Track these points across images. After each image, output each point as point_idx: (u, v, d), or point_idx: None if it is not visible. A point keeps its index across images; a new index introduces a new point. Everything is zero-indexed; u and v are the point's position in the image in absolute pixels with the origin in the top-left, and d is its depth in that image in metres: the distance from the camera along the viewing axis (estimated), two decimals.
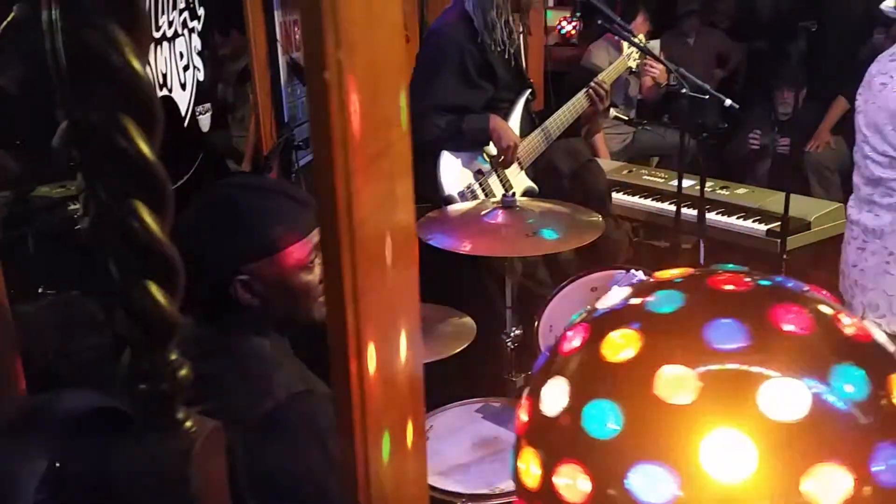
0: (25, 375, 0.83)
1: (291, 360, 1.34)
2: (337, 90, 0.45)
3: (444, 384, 2.12)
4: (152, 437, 0.68)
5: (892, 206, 2.34)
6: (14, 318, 0.84)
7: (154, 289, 0.61)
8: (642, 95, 4.74)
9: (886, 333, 2.12)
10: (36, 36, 0.56)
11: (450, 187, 2.77)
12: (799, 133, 3.95)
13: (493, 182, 2.83)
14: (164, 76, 1.71)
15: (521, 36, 2.88)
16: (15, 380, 0.83)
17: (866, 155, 2.37)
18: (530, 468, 0.61)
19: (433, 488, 1.86)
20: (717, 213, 3.40)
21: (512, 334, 2.33)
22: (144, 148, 0.57)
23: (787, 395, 0.52)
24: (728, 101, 2.55)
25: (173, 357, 0.67)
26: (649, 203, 3.70)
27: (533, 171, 2.93)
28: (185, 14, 1.81)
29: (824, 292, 0.64)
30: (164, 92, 1.71)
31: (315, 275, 1.33)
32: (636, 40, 2.84)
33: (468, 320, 2.26)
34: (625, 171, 4.07)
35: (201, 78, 1.87)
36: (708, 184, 3.45)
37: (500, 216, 2.25)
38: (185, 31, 1.80)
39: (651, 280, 0.67)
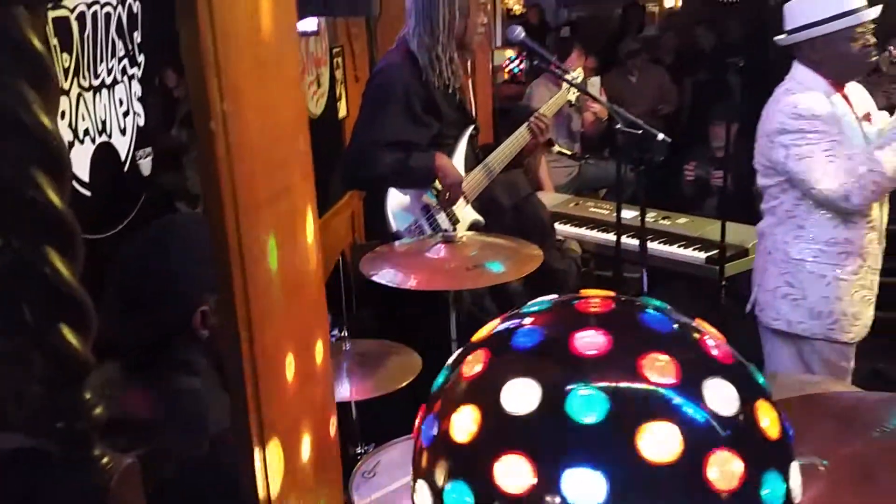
0: None
1: (224, 396, 1.35)
2: (223, 139, 0.49)
3: (390, 420, 2.15)
4: (70, 474, 0.70)
5: (770, 210, 2.59)
6: None
7: (67, 331, 0.64)
8: (585, 130, 4.88)
9: (770, 329, 2.27)
10: None
11: (397, 223, 2.81)
12: (736, 165, 4.09)
13: (441, 217, 2.89)
14: (104, 123, 1.74)
15: (466, 73, 2.96)
16: None
17: (759, 169, 2.62)
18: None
19: None
20: (659, 243, 3.50)
21: None
22: (54, 198, 0.60)
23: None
24: (661, 136, 2.64)
25: (88, 396, 0.69)
26: (594, 234, 3.79)
27: (477, 205, 3.00)
28: (125, 61, 1.84)
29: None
30: (104, 138, 1.73)
31: None
32: (570, 77, 2.94)
33: (415, 355, 2.29)
34: (571, 204, 4.17)
35: (142, 123, 1.90)
36: (650, 214, 3.56)
37: (444, 251, 2.30)
38: (125, 78, 1.83)
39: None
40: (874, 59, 2.49)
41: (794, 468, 0.62)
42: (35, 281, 0.62)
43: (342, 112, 3.96)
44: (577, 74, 3.04)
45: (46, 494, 0.71)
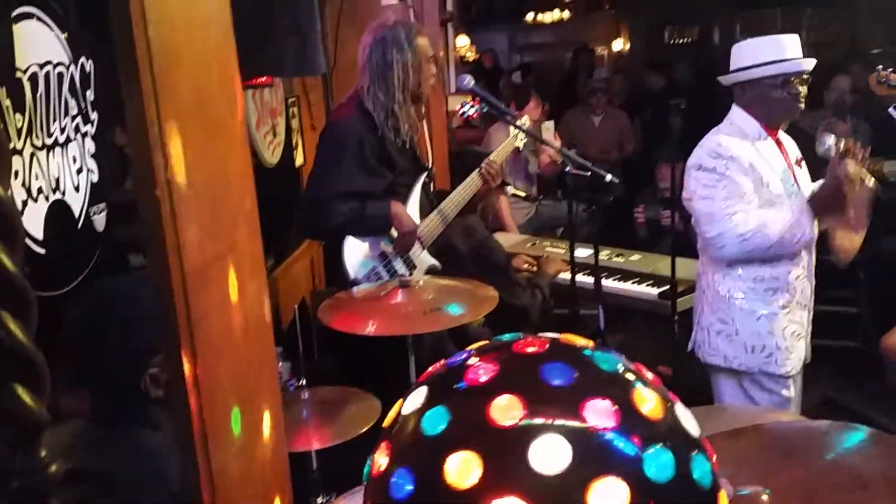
0: None
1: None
2: (168, 205, 0.52)
3: (352, 467, 2.15)
4: None
5: (701, 249, 2.68)
6: None
7: (21, 391, 0.66)
8: (541, 171, 5.00)
9: (710, 364, 2.30)
10: None
11: (355, 271, 2.84)
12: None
13: (398, 263, 2.92)
14: (57, 180, 1.75)
15: (420, 123, 3.03)
16: None
17: (684, 199, 2.68)
18: None
19: None
20: (614, 280, 3.57)
21: None
22: (6, 261, 0.62)
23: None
24: (609, 177, 2.73)
25: (44, 454, 0.71)
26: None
27: (434, 249, 3.05)
28: (78, 119, 1.86)
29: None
30: (58, 196, 1.75)
31: None
32: (519, 123, 3.02)
33: (375, 400, 2.31)
34: (528, 244, 4.23)
35: (96, 179, 1.92)
36: (604, 252, 3.64)
37: (401, 296, 2.33)
38: (78, 136, 1.85)
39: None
40: (800, 107, 2.56)
41: None
42: None
43: (299, 160, 4.00)
44: (525, 120, 3.13)
45: None
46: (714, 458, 0.67)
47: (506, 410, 0.61)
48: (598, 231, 3.31)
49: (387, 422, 0.70)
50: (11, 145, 1.46)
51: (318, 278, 3.99)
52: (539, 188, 5.02)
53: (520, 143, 3.23)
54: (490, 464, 0.60)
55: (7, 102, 1.56)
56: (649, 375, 0.69)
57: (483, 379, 0.66)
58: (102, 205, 1.91)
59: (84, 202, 1.85)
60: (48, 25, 1.73)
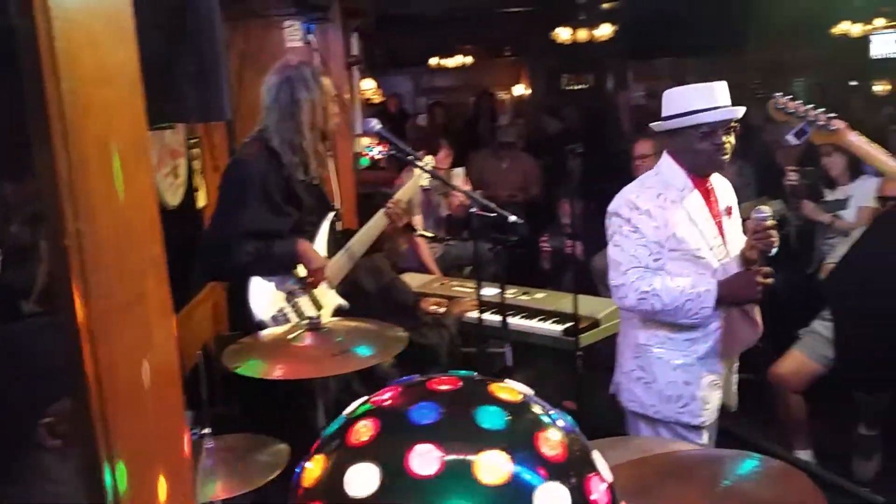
0: None
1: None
2: (77, 254, 0.52)
3: None
4: None
5: (619, 299, 2.58)
6: None
7: None
8: (452, 213, 5.08)
9: (631, 411, 2.27)
10: None
11: (261, 313, 2.80)
12: (586, 239, 4.37)
13: (305, 303, 2.90)
14: None
15: (326, 162, 3.04)
16: None
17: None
18: None
19: None
20: (519, 317, 3.65)
21: None
22: None
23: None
24: (512, 218, 2.80)
25: None
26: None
27: (341, 290, 3.04)
28: None
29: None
30: None
31: None
32: (422, 164, 3.07)
33: (283, 446, 2.26)
34: (436, 283, 4.28)
35: None
36: (510, 291, 3.72)
37: (309, 338, 2.31)
38: None
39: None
40: (724, 159, 2.48)
41: None
42: None
43: (201, 202, 3.92)
44: (429, 160, 3.19)
45: None
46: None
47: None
48: (504, 270, 3.39)
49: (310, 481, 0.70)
50: None
51: (221, 324, 3.90)
52: (447, 229, 5.10)
53: (424, 182, 3.28)
54: None
55: None
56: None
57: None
58: None
59: None
60: None
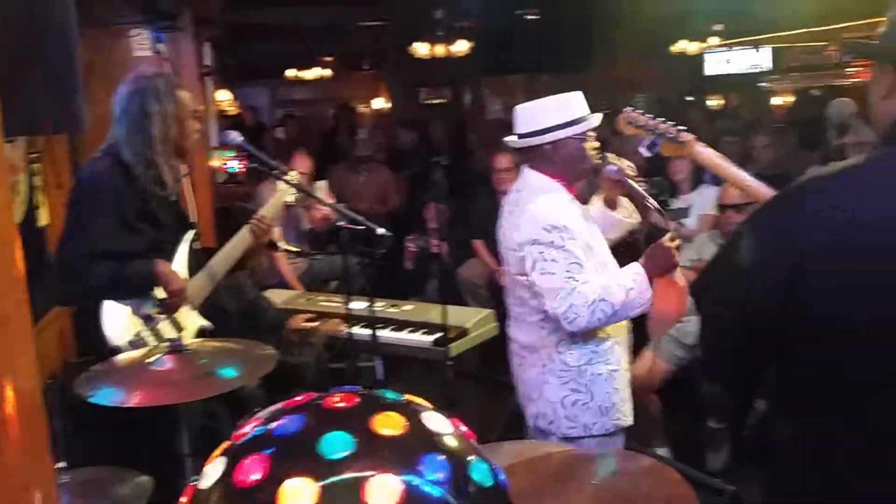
0: None
1: None
2: None
3: None
4: None
5: (538, 324, 2.53)
6: None
7: None
8: (314, 227, 4.99)
9: (557, 437, 2.21)
10: None
11: (116, 338, 2.63)
12: (451, 246, 4.44)
13: (165, 326, 2.76)
14: None
15: (183, 177, 2.91)
16: None
17: (514, 282, 2.57)
18: None
19: None
20: (389, 330, 3.64)
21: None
22: None
23: (386, 489, 0.62)
24: (381, 230, 2.80)
25: None
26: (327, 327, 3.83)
27: (203, 310, 2.91)
28: None
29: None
30: None
31: None
32: (288, 178, 3.01)
33: (145, 479, 2.14)
34: (302, 299, 4.20)
35: None
36: (379, 304, 3.71)
37: (170, 362, 2.19)
38: None
39: (281, 407, 0.74)
40: (598, 161, 2.54)
41: None
42: None
43: (43, 220, 3.65)
44: (294, 175, 3.13)
45: None
46: None
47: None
48: (372, 283, 3.38)
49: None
50: None
51: (68, 350, 3.64)
52: (311, 243, 5.01)
53: (290, 198, 3.21)
54: None
55: None
56: None
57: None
58: None
59: None
60: None
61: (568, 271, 2.36)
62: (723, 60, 10.91)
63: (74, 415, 2.74)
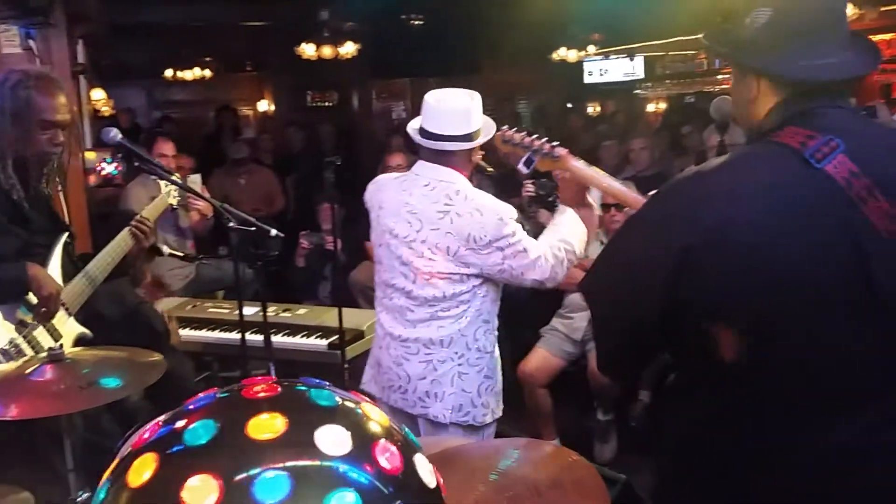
0: None
1: None
2: None
3: None
4: None
5: (456, 317, 2.55)
6: None
7: None
8: (194, 228, 4.81)
9: (473, 426, 2.26)
10: None
11: None
12: (344, 239, 4.39)
13: (40, 334, 2.59)
14: None
15: (57, 179, 2.75)
16: None
17: (426, 280, 2.55)
18: None
19: None
20: (282, 335, 3.56)
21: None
22: None
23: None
24: (273, 231, 2.73)
25: None
26: (217, 335, 3.72)
27: (82, 318, 2.75)
28: None
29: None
30: None
31: None
32: (173, 178, 2.89)
33: (25, 495, 2.00)
34: (188, 307, 4.05)
35: None
36: (271, 308, 3.62)
37: (50, 372, 2.06)
38: None
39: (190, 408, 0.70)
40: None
41: None
42: None
43: None
44: (178, 176, 3.01)
45: None
46: None
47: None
48: (264, 287, 3.29)
49: None
50: None
51: None
52: (197, 247, 4.83)
53: (174, 200, 3.08)
54: None
55: None
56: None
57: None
58: None
59: None
60: None
61: (528, 242, 2.51)
62: (600, 69, 11.37)
63: None
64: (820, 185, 1.32)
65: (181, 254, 3.84)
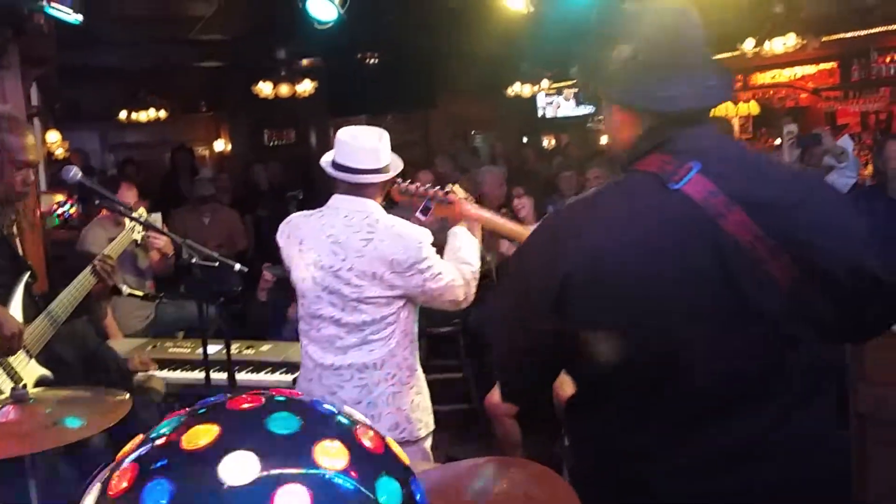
0: None
1: None
2: None
3: None
4: None
5: (384, 339, 2.66)
6: None
7: None
8: (154, 269, 4.76)
9: (407, 440, 2.35)
10: None
11: None
12: None
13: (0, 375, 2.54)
14: None
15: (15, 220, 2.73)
16: None
17: (355, 306, 2.64)
18: None
19: None
20: (247, 372, 3.53)
21: None
22: None
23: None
24: (237, 266, 2.73)
25: None
26: (179, 375, 3.67)
27: (43, 359, 2.71)
28: None
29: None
30: None
31: None
32: (136, 215, 2.88)
33: None
34: (149, 347, 3.99)
35: None
36: (234, 345, 3.59)
37: (13, 412, 2.02)
38: None
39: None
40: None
41: None
42: None
43: None
44: (142, 212, 3.00)
45: None
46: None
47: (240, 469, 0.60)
48: (226, 324, 3.27)
49: None
50: None
51: None
52: (156, 286, 4.77)
53: (137, 237, 3.07)
54: None
55: None
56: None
57: (204, 442, 0.63)
58: None
59: None
60: None
61: (443, 266, 2.64)
62: (553, 103, 11.60)
63: None
64: (681, 205, 1.41)
65: (140, 293, 3.79)
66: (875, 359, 2.69)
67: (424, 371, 2.86)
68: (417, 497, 0.67)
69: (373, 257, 2.59)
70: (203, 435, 0.63)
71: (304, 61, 8.67)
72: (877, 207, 4.13)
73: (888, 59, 7.41)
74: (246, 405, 0.68)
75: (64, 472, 2.77)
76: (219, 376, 3.16)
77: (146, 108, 10.41)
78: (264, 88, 8.53)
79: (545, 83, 10.29)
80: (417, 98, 9.35)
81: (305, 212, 2.87)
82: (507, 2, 3.27)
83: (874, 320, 1.55)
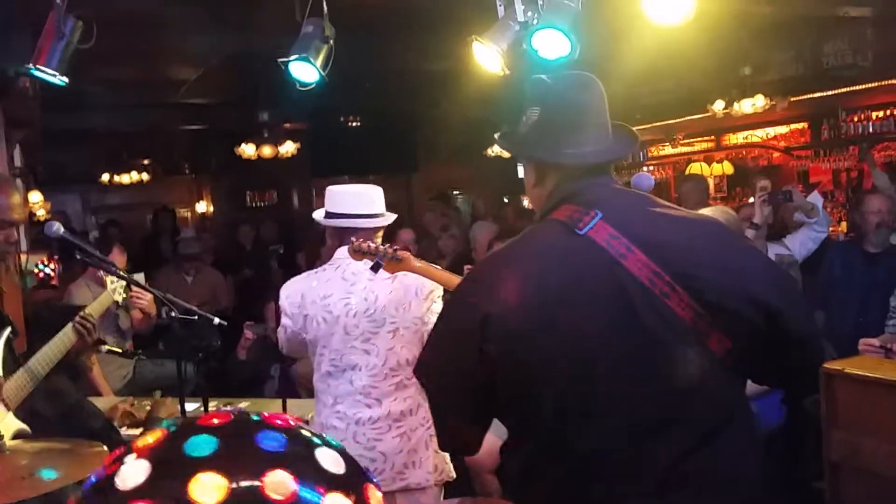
0: None
1: None
2: None
3: None
4: None
5: (414, 383, 2.67)
6: None
7: None
8: (135, 328, 4.75)
9: (446, 481, 2.42)
10: None
11: None
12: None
13: None
14: None
15: None
16: None
17: (390, 347, 2.74)
18: None
19: None
20: None
21: None
22: None
23: None
24: (216, 320, 2.75)
25: None
26: None
27: (21, 415, 2.69)
28: None
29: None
30: None
31: None
32: (120, 272, 2.91)
33: None
34: (127, 405, 3.94)
35: None
36: (212, 403, 3.56)
37: None
38: None
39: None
40: None
41: None
42: None
43: None
44: (122, 270, 3.03)
45: None
46: None
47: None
48: (205, 382, 3.25)
49: None
50: None
51: None
52: (134, 343, 4.75)
53: (118, 298, 3.09)
54: None
55: None
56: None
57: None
58: None
59: None
60: None
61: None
62: None
63: None
64: (586, 249, 1.57)
65: (119, 350, 3.78)
66: (847, 405, 2.72)
67: None
68: None
69: (399, 290, 2.74)
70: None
71: (287, 124, 8.80)
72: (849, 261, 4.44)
73: (855, 119, 7.63)
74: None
75: None
76: None
77: (129, 171, 10.49)
78: (247, 150, 8.63)
79: None
80: (398, 160, 9.50)
81: (305, 274, 2.97)
82: (484, 64, 3.39)
83: (798, 365, 1.70)
